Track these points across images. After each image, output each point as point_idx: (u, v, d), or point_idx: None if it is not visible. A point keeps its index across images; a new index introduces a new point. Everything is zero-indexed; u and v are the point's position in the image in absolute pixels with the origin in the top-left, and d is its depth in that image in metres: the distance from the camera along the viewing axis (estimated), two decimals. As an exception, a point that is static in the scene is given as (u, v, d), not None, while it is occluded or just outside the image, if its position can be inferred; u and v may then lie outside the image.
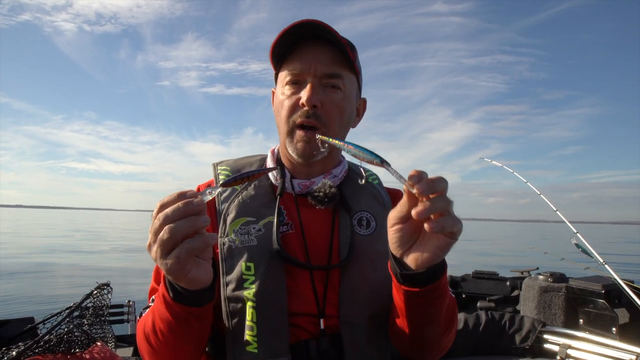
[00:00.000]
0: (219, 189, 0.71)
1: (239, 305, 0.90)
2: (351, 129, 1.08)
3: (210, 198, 0.68)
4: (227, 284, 0.91)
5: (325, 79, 0.96)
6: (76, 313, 1.84)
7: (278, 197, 1.00)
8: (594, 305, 3.05)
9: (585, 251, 2.93)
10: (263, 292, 0.89)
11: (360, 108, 1.10)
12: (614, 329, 2.92)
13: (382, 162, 0.70)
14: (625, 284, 2.57)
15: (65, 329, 1.66)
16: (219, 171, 1.07)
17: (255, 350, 0.88)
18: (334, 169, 1.07)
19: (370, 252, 0.99)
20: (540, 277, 3.37)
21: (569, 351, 2.61)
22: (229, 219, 0.97)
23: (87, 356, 1.55)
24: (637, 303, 2.47)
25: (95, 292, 2.00)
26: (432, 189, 0.65)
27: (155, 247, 0.65)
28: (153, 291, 0.96)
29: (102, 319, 1.94)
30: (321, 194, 1.00)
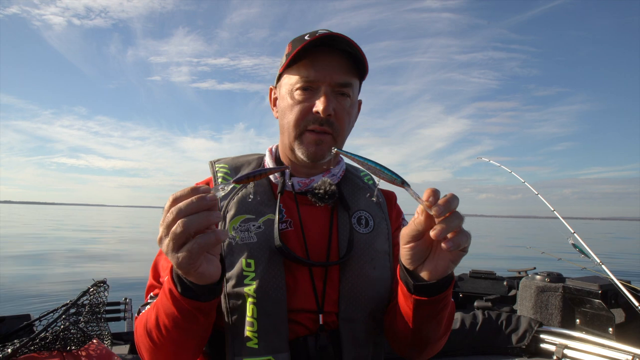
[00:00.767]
0: (232, 185, 0.72)
1: (239, 301, 0.92)
2: None
3: (223, 194, 0.69)
4: (227, 280, 0.93)
5: (337, 88, 0.98)
6: (72, 310, 1.83)
7: (279, 194, 1.01)
8: (591, 306, 3.06)
9: (582, 251, 2.94)
10: (263, 289, 0.91)
11: (357, 109, 1.12)
12: (610, 329, 2.93)
13: (403, 183, 0.72)
14: (622, 284, 2.57)
15: (62, 326, 1.65)
16: (217, 169, 1.08)
17: (256, 346, 0.89)
18: (333, 168, 1.09)
19: (369, 250, 1.02)
20: (538, 277, 3.38)
21: (566, 351, 2.62)
22: (228, 216, 0.98)
23: (83, 353, 1.55)
24: (633, 303, 2.48)
25: (92, 289, 1.99)
26: (447, 209, 0.67)
27: (167, 241, 0.65)
28: (151, 288, 0.97)
29: (99, 316, 1.94)
30: (322, 191, 1.02)
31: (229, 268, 0.93)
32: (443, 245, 0.68)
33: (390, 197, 1.17)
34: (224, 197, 1.00)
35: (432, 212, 0.68)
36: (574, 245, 2.97)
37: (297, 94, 0.97)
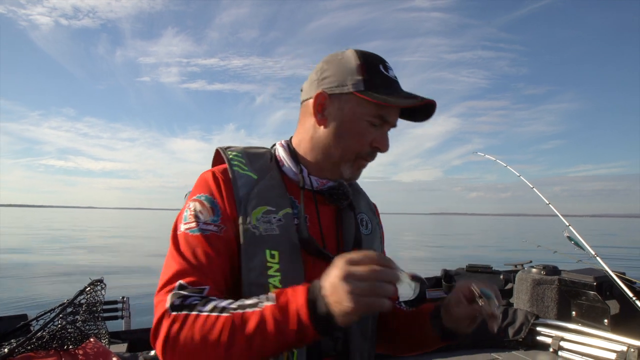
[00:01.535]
0: (414, 285, 0.79)
1: (261, 292, 0.90)
2: None
3: (404, 286, 0.78)
4: (249, 270, 0.92)
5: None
6: (69, 309, 1.83)
7: (302, 189, 1.03)
8: (586, 298, 3.08)
9: (577, 244, 2.96)
10: (286, 281, 0.92)
11: None
12: (605, 320, 2.95)
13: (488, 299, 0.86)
14: (617, 275, 2.60)
15: (59, 326, 1.64)
16: (230, 156, 1.06)
17: None
18: None
19: (370, 250, 1.04)
20: (534, 270, 3.40)
21: (562, 343, 2.64)
22: (250, 206, 0.97)
23: (80, 352, 1.55)
24: (628, 295, 2.50)
25: (89, 288, 1.99)
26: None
27: (357, 286, 0.71)
28: (183, 275, 0.87)
29: (96, 315, 1.93)
30: (340, 191, 1.07)
31: (251, 258, 0.93)
32: (491, 329, 0.85)
33: (375, 207, 1.26)
34: (244, 186, 1.00)
35: (493, 314, 0.84)
36: (569, 238, 3.00)
37: (366, 126, 1.00)
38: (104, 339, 1.99)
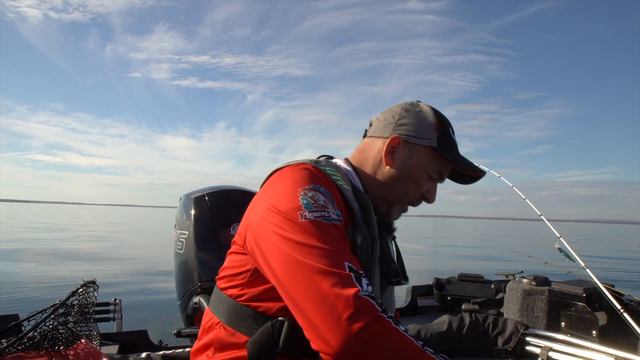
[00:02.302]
0: None
1: None
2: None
3: None
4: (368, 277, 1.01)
5: None
6: (61, 310, 1.82)
7: (382, 218, 1.13)
8: (575, 309, 3.11)
9: (568, 255, 2.99)
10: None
11: None
12: (594, 332, 2.98)
13: None
14: (606, 287, 2.63)
15: (50, 326, 1.64)
16: (329, 172, 1.05)
17: None
18: None
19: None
20: (524, 280, 3.42)
21: (551, 354, 2.66)
22: (360, 217, 1.02)
23: (71, 353, 1.55)
24: (616, 307, 2.53)
25: (81, 289, 1.98)
26: None
27: None
28: (343, 257, 0.85)
29: (88, 316, 1.93)
30: (394, 224, 1.20)
31: (371, 266, 1.01)
32: None
33: None
34: (352, 200, 1.03)
35: None
36: (560, 250, 3.03)
37: (425, 178, 1.14)
38: (95, 341, 1.99)
